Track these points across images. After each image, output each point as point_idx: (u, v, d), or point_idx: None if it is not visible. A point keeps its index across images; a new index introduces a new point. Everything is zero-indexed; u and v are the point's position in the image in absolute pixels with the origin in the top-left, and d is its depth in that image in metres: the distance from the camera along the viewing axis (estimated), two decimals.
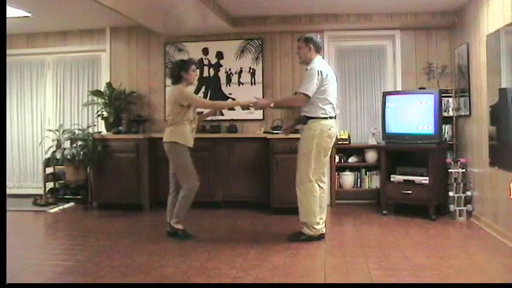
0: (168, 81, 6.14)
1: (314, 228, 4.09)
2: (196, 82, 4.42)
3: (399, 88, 5.80)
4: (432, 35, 5.80)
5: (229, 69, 6.09)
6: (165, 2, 4.74)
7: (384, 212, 5.21)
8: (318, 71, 4.01)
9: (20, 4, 4.95)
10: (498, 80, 4.08)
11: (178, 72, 4.26)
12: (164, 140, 4.30)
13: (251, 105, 4.39)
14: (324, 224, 4.23)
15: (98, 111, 6.12)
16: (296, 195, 4.19)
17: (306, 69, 4.15)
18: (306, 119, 4.13)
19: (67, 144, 6.04)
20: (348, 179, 5.72)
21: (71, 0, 4.94)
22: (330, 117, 4.08)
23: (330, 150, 4.19)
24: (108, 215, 5.44)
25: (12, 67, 6.61)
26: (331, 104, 4.10)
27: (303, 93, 4.01)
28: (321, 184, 4.20)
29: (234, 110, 5.99)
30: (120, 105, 6.02)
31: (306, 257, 3.67)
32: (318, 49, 4.20)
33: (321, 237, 4.12)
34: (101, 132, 6.06)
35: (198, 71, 4.39)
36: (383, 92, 5.56)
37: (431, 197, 4.90)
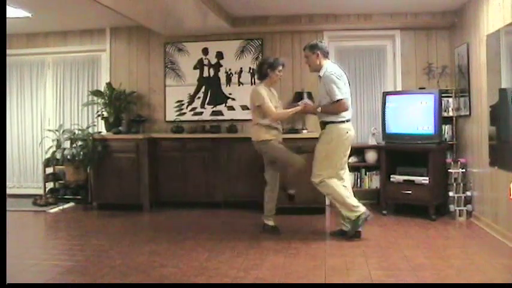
0: (168, 81, 6.21)
1: (356, 208, 4.09)
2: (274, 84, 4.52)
3: (399, 88, 5.80)
4: (432, 35, 5.80)
5: (229, 69, 6.08)
6: (165, 2, 4.74)
7: (384, 212, 5.21)
8: (334, 75, 4.04)
9: (20, 4, 4.95)
10: (498, 80, 4.08)
11: (266, 69, 4.34)
12: (253, 139, 4.41)
13: (303, 106, 4.34)
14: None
15: (98, 111, 6.12)
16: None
17: (319, 76, 4.17)
18: (323, 124, 4.17)
19: (67, 144, 6.04)
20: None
21: (71, 0, 4.95)
22: (347, 121, 4.11)
23: (348, 152, 4.22)
24: (108, 215, 5.43)
25: (12, 67, 6.61)
26: None
27: (341, 99, 4.02)
28: (343, 183, 4.23)
29: (235, 110, 6.03)
30: (120, 105, 6.01)
31: (306, 257, 3.67)
32: (326, 54, 4.21)
33: (367, 212, 4.13)
34: (101, 132, 6.06)
35: (282, 73, 4.45)
36: (383, 92, 5.55)
37: (431, 197, 4.90)
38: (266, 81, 4.38)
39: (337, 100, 4.03)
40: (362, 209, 4.11)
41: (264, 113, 4.30)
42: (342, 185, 4.20)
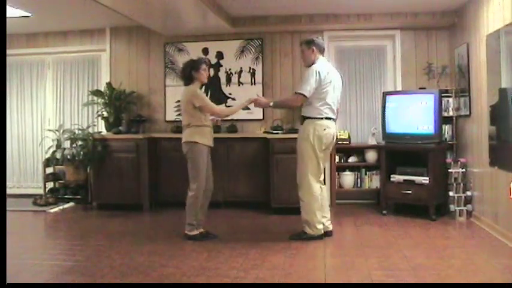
0: (168, 81, 6.21)
1: (315, 227, 4.11)
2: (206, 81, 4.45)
3: (399, 88, 5.80)
4: (432, 35, 5.80)
5: (229, 69, 6.09)
6: (165, 2, 4.74)
7: (384, 212, 5.21)
8: (316, 72, 4.03)
9: (20, 4, 4.95)
10: (498, 80, 4.08)
11: (189, 72, 4.26)
12: (183, 140, 4.26)
13: (252, 100, 4.39)
14: (329, 222, 4.26)
15: (98, 111, 6.12)
16: (297, 195, 4.21)
17: None
18: (302, 119, 4.18)
19: (67, 144, 6.04)
20: (348, 179, 5.71)
21: (71, 0, 4.94)
22: (326, 118, 4.09)
23: (328, 150, 4.24)
24: (108, 215, 5.43)
25: (12, 67, 6.61)
26: (329, 105, 4.10)
27: (300, 93, 4.06)
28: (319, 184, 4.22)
29: None
30: (120, 105, 6.02)
31: (306, 257, 3.67)
32: (321, 50, 4.22)
33: (322, 237, 4.13)
34: (101, 132, 6.06)
35: (207, 69, 4.40)
36: (383, 92, 5.55)
37: (431, 197, 4.90)
38: (196, 84, 4.27)
39: (296, 92, 4.12)
40: (319, 232, 4.11)
41: (207, 112, 4.24)
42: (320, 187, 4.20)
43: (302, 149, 4.14)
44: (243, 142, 5.63)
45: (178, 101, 6.13)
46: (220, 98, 6.07)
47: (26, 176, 6.71)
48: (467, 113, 5.01)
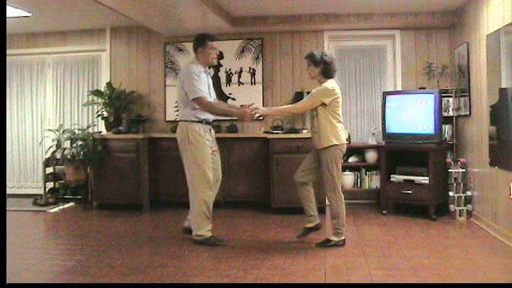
0: (168, 81, 6.21)
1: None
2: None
3: (399, 88, 5.80)
4: (432, 35, 5.80)
5: (229, 69, 6.08)
6: (165, 2, 4.74)
7: (384, 212, 5.21)
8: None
9: (20, 4, 4.95)
10: (498, 79, 4.08)
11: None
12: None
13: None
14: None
15: (98, 111, 6.12)
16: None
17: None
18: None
19: (67, 144, 6.03)
20: (348, 178, 5.71)
21: (71, 0, 4.95)
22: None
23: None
24: (108, 215, 5.43)
25: (12, 67, 6.61)
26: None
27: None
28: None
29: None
30: (120, 105, 6.02)
31: (306, 257, 3.67)
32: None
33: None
34: (101, 132, 6.06)
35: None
36: (383, 92, 5.55)
37: (431, 196, 4.90)
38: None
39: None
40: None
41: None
42: None
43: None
44: (243, 142, 5.63)
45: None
46: (220, 98, 6.06)
47: (26, 176, 6.71)
48: (467, 113, 5.01)
